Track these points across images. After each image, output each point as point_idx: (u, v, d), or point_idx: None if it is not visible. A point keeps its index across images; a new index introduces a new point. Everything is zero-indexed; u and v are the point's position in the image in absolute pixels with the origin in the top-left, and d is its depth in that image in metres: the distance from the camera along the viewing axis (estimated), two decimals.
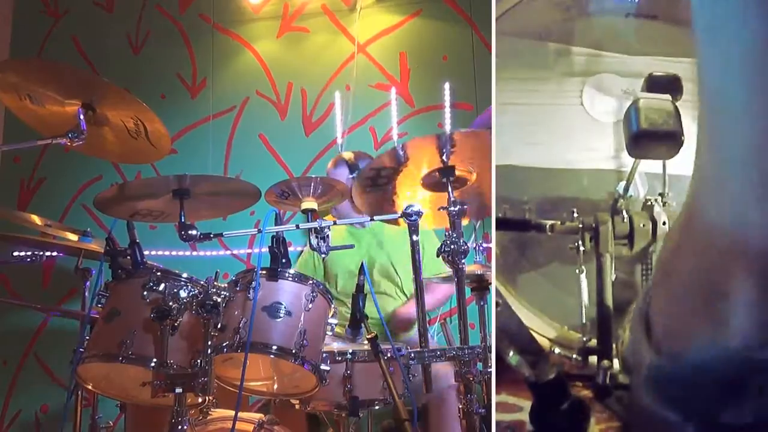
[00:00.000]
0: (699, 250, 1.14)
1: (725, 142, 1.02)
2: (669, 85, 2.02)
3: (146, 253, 1.95)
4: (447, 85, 3.39)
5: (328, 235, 1.96)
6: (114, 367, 1.89)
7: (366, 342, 1.89)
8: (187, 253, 3.41)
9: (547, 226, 2.09)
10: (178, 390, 1.74)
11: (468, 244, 1.96)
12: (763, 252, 1.00)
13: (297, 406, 2.07)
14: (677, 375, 1.19)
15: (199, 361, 1.76)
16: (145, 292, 1.83)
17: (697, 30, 1.01)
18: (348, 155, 3.00)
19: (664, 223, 2.05)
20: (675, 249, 1.29)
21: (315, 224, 1.95)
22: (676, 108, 1.91)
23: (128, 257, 1.90)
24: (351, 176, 2.86)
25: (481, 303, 2.15)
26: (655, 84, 2.04)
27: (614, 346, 1.98)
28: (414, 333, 2.52)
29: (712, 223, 1.07)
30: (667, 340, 1.27)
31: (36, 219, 2.73)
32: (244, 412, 2.08)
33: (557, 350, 2.17)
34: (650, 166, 2.16)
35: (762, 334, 1.06)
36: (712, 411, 1.13)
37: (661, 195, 2.13)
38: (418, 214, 1.95)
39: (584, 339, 2.10)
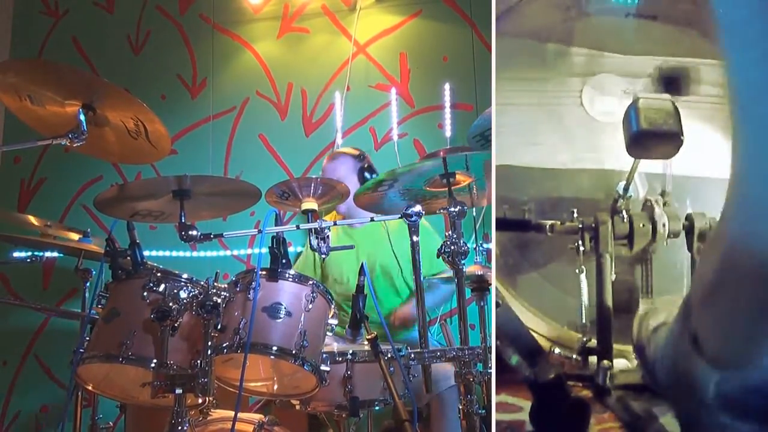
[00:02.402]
0: (743, 270, 1.10)
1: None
2: (676, 79, 2.01)
3: (146, 253, 1.95)
4: (447, 86, 3.42)
5: (328, 236, 1.96)
6: (114, 368, 1.89)
7: (366, 342, 1.89)
8: (188, 253, 3.41)
9: (547, 227, 2.09)
10: (178, 390, 1.74)
11: (468, 245, 1.96)
12: None
13: (297, 407, 2.07)
14: (750, 388, 1.16)
15: (199, 361, 1.75)
16: (145, 293, 1.83)
17: (723, 32, 0.97)
18: (348, 149, 3.00)
19: (664, 225, 2.05)
20: (716, 269, 1.24)
21: (315, 225, 1.96)
22: (675, 108, 1.91)
23: (128, 258, 1.90)
24: (360, 165, 2.86)
25: (481, 303, 2.15)
26: (663, 77, 2.03)
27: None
28: (414, 332, 2.51)
29: (757, 244, 1.02)
30: (725, 357, 1.23)
31: (34, 220, 2.71)
32: (244, 413, 2.08)
33: (557, 350, 2.17)
34: (650, 166, 2.16)
35: None
36: None
37: (661, 195, 2.12)
38: (419, 214, 1.95)
39: (584, 339, 2.10)
